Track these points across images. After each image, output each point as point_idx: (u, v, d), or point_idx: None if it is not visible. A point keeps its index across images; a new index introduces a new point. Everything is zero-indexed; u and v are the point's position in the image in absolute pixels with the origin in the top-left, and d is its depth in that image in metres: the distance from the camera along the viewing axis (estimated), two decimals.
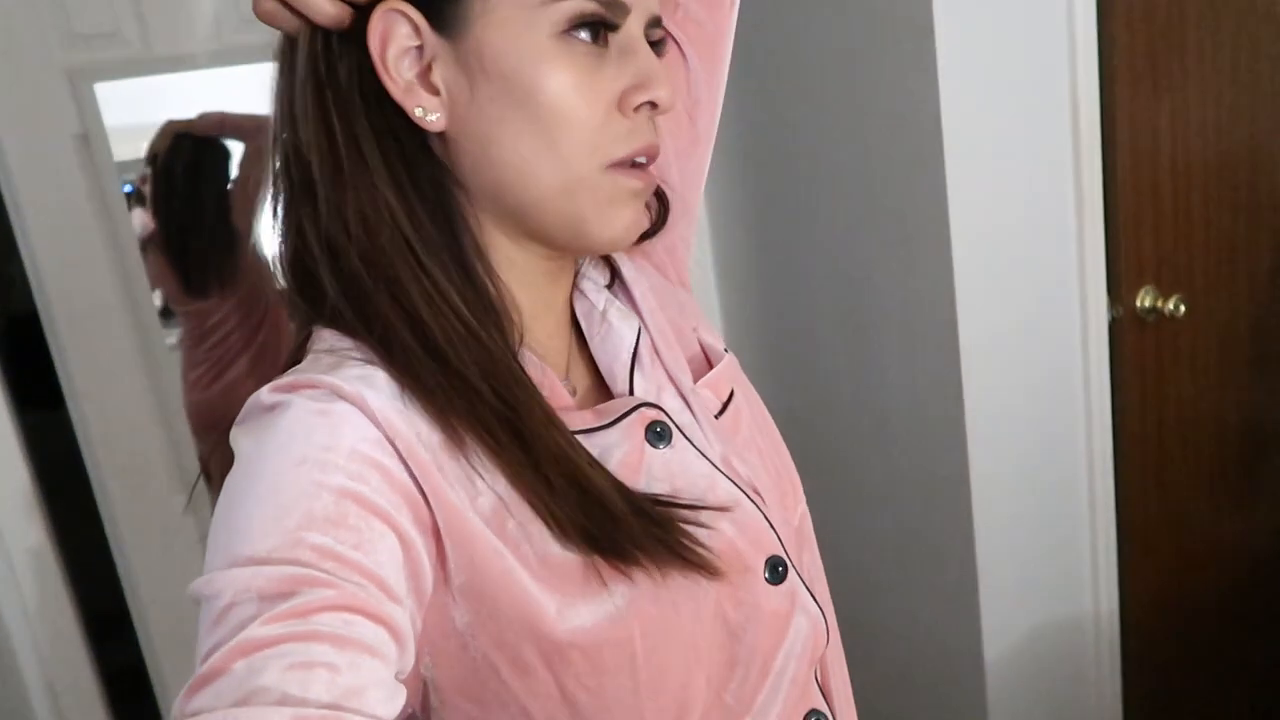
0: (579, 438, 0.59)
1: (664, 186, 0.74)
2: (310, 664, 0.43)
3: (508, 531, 0.55)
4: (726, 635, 0.62)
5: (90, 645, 1.64)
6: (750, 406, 0.73)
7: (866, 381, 1.74)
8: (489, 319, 0.59)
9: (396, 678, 0.48)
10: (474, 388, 0.56)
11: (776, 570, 0.64)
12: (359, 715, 0.44)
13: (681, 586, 0.59)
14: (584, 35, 0.57)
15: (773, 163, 1.80)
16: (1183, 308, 1.62)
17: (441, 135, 0.58)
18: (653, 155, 0.61)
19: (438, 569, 0.54)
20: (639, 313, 0.69)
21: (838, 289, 1.74)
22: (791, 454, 0.76)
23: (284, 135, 0.60)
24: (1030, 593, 1.69)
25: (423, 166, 0.59)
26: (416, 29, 0.57)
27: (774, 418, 0.76)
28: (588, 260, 0.71)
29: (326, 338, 0.59)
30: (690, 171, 0.77)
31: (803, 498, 0.73)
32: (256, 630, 0.44)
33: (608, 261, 0.72)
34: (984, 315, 1.51)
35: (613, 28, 0.58)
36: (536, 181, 0.58)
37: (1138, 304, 1.62)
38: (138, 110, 1.56)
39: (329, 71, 0.57)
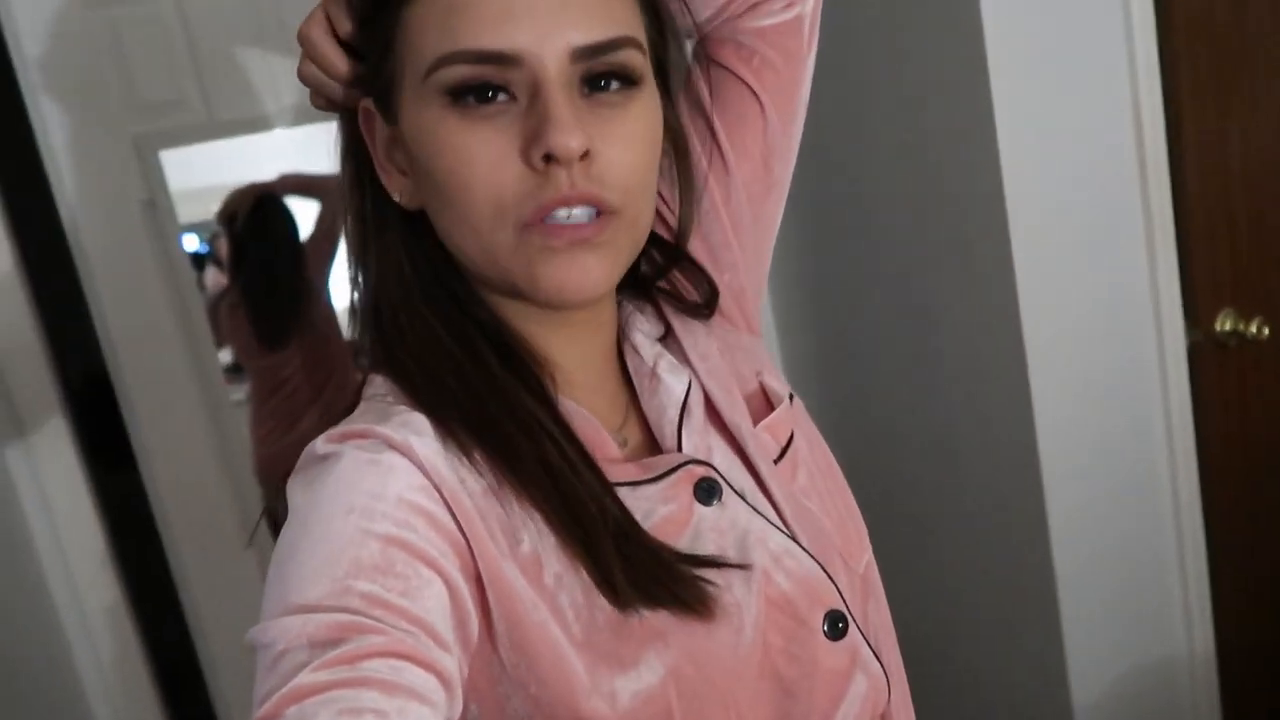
0: (623, 490, 0.60)
1: (730, 237, 0.74)
2: (359, 710, 0.44)
3: (544, 582, 0.56)
4: (780, 692, 0.60)
5: (163, 701, 1.66)
6: (813, 451, 0.71)
7: (932, 416, 1.69)
8: (509, 364, 0.61)
9: None
10: (500, 429, 0.58)
11: (836, 625, 0.63)
12: None
13: (719, 644, 0.58)
14: (470, 99, 0.56)
15: (831, 190, 1.78)
16: (1266, 330, 1.54)
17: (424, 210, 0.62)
18: (574, 203, 0.56)
19: (481, 616, 0.54)
20: (690, 365, 0.68)
21: (900, 320, 1.71)
22: (858, 493, 0.74)
23: (343, 201, 0.66)
24: (1119, 635, 1.61)
25: (425, 235, 0.63)
26: (381, 121, 0.62)
27: (838, 455, 0.74)
28: (634, 311, 0.71)
29: (378, 383, 0.62)
30: (764, 217, 0.76)
31: (868, 546, 0.72)
32: (306, 677, 0.45)
33: (660, 314, 0.72)
34: (1052, 346, 1.46)
35: (498, 87, 0.56)
36: (466, 250, 0.60)
37: (1217, 327, 1.55)
38: (201, 175, 1.61)
39: (357, 150, 0.64)
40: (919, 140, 1.54)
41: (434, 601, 0.50)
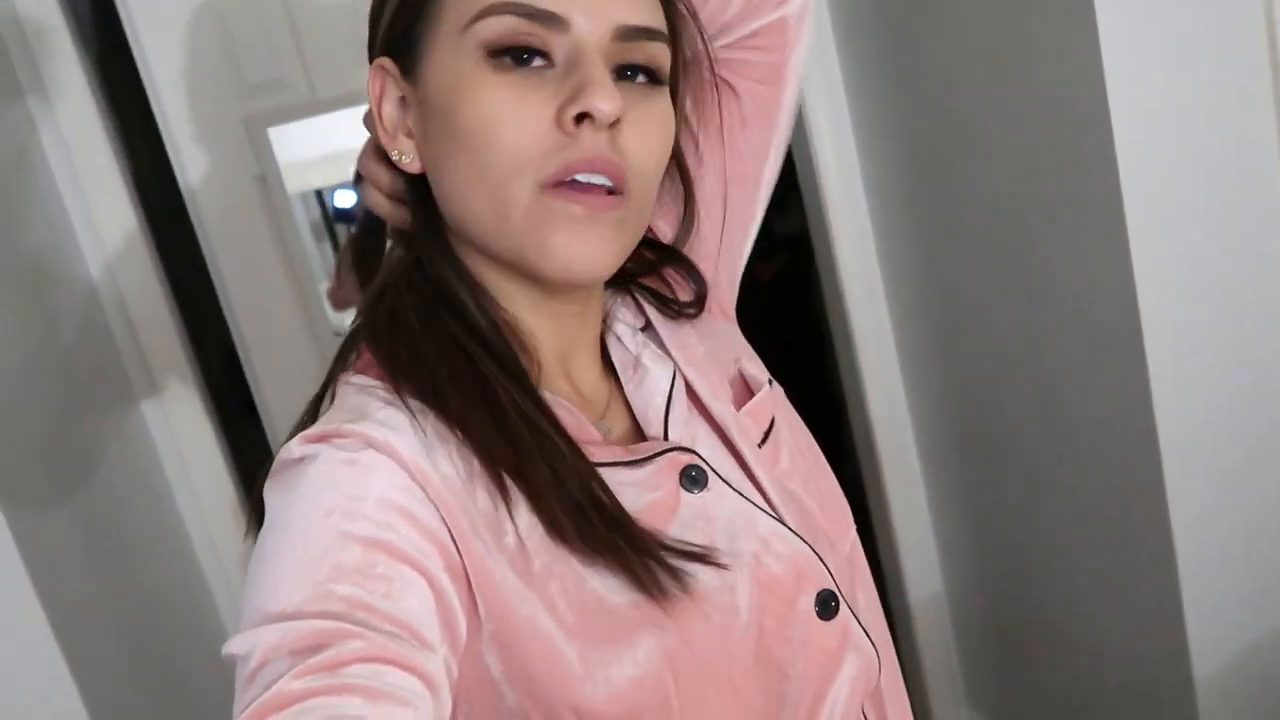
0: (605, 470, 0.59)
1: (703, 227, 0.73)
2: (341, 718, 0.43)
3: (533, 572, 0.55)
4: (775, 674, 0.60)
5: None
6: (794, 435, 0.71)
7: (1043, 381, 1.60)
8: (494, 351, 0.60)
9: None
10: (482, 417, 0.57)
11: (828, 605, 0.62)
12: None
13: (715, 627, 0.57)
14: (507, 59, 0.56)
15: (933, 156, 1.69)
16: None
17: (424, 177, 0.62)
18: (598, 169, 0.56)
19: (471, 614, 0.54)
20: (670, 354, 0.68)
21: (1008, 287, 1.61)
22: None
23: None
24: (1245, 604, 1.48)
25: (422, 205, 0.63)
26: (397, 80, 0.61)
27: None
28: (618, 302, 0.71)
29: (362, 364, 0.61)
30: (738, 210, 0.75)
31: (852, 525, 0.71)
32: (288, 685, 0.44)
33: (639, 307, 0.72)
34: (1173, 308, 1.35)
35: (536, 51, 0.56)
36: (476, 210, 0.58)
37: None
38: (307, 148, 1.71)
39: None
40: (1024, 102, 1.44)
41: (417, 602, 0.50)
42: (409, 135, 0.61)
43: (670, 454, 0.62)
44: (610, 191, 0.57)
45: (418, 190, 0.63)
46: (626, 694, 0.54)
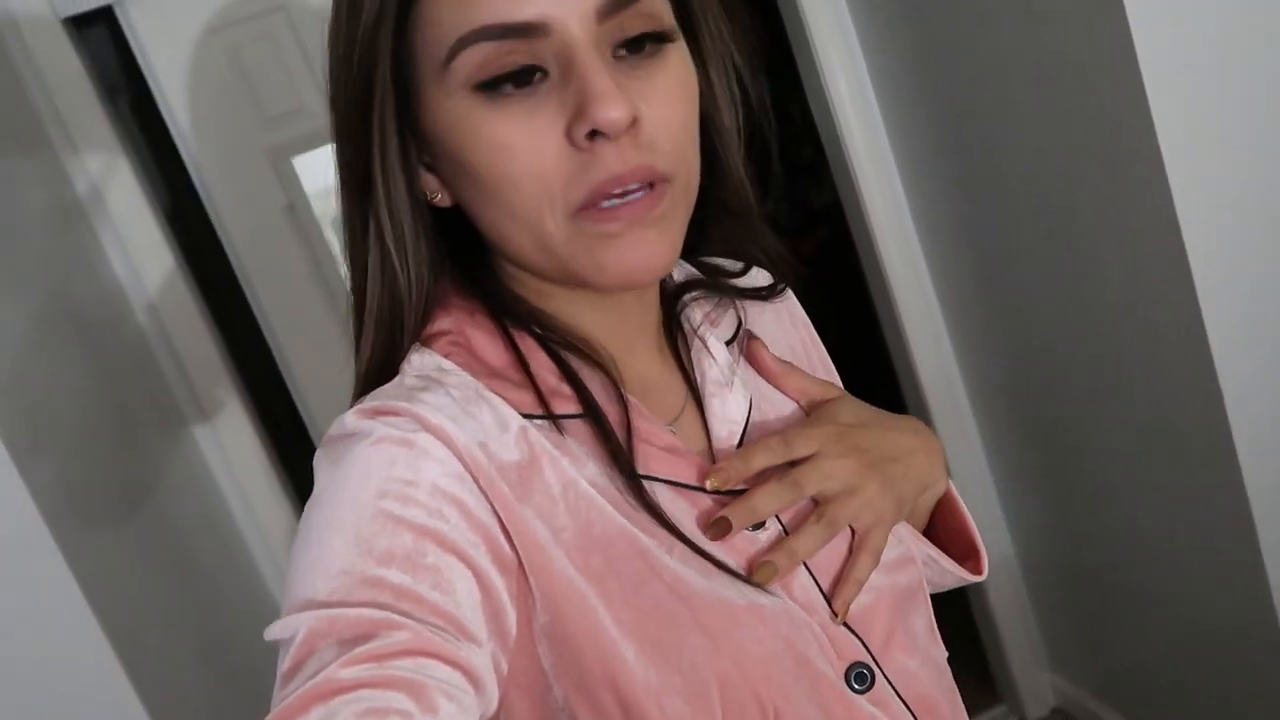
0: (660, 487, 0.58)
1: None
2: (385, 711, 0.43)
3: (592, 566, 0.54)
4: None
5: None
6: None
7: (1093, 337, 1.54)
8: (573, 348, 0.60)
9: None
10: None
11: (862, 678, 0.60)
12: None
13: (765, 650, 0.56)
14: (503, 88, 0.52)
15: (962, 121, 1.64)
16: None
17: (458, 207, 0.59)
18: (627, 181, 0.52)
19: (521, 608, 0.53)
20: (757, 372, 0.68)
21: (1050, 236, 1.56)
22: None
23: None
24: None
25: (449, 233, 0.61)
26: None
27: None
28: (711, 308, 0.69)
29: (418, 361, 0.58)
30: None
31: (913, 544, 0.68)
32: (336, 673, 0.44)
33: (737, 313, 0.70)
34: (1219, 248, 1.29)
35: (533, 68, 0.52)
36: (516, 244, 0.57)
37: None
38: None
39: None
40: (1052, 51, 1.39)
41: (464, 595, 0.49)
42: (431, 172, 0.58)
43: (730, 493, 0.60)
44: (650, 185, 0.54)
45: (442, 218, 0.61)
46: (674, 708, 0.53)
